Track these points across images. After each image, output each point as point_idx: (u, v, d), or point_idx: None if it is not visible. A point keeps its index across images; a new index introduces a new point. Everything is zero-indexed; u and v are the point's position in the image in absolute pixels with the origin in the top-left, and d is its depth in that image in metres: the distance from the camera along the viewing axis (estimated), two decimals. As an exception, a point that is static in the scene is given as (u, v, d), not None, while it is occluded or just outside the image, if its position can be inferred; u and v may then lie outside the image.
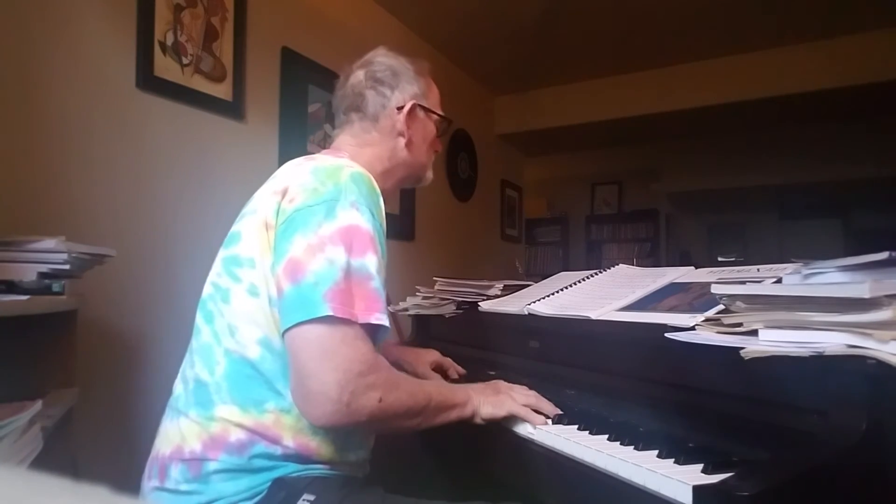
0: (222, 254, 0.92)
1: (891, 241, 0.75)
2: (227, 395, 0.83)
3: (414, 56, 1.12)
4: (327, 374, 0.75)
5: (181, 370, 0.93)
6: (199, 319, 0.91)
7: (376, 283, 0.82)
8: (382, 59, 1.09)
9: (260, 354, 0.83)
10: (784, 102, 3.53)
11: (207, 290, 0.92)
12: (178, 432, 0.85)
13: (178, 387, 0.91)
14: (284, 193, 0.87)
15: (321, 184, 0.85)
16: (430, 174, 1.18)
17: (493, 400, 0.96)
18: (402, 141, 1.07)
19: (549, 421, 0.95)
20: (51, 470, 0.21)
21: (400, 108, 1.06)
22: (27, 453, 0.87)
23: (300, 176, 0.88)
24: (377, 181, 1.02)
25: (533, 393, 1.01)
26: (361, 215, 0.83)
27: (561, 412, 0.97)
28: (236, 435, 0.82)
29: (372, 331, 0.81)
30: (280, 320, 0.80)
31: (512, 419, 0.96)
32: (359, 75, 1.07)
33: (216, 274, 0.91)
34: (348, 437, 0.88)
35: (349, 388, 0.75)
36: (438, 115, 1.14)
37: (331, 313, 0.75)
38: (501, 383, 1.02)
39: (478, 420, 0.95)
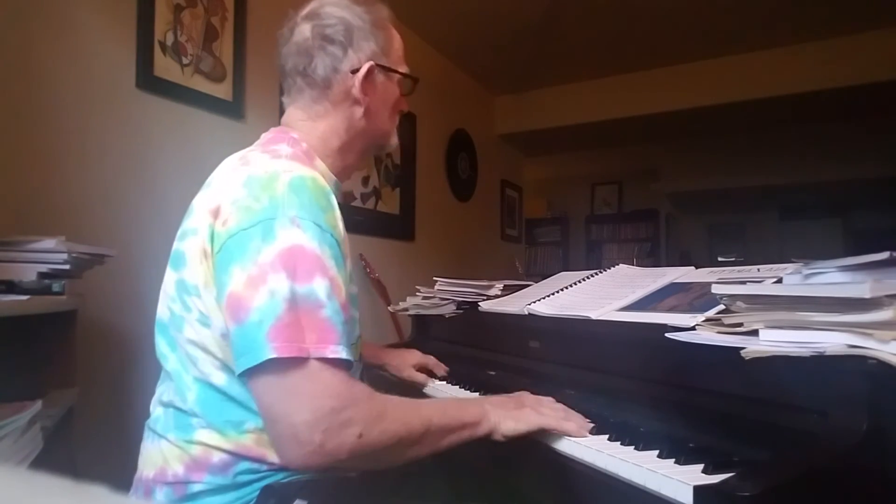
0: (172, 276, 0.84)
1: (891, 241, 0.75)
2: (204, 420, 0.79)
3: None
4: (294, 416, 0.68)
5: (158, 393, 0.89)
6: (163, 346, 0.85)
7: (328, 311, 0.72)
8: (332, 9, 0.92)
9: (226, 380, 0.79)
10: (784, 102, 3.54)
11: (164, 313, 0.85)
12: (159, 455, 0.82)
13: (156, 409, 0.87)
14: (217, 213, 0.78)
15: (255, 199, 0.75)
16: (394, 140, 1.03)
17: (515, 414, 0.86)
18: (359, 109, 0.93)
19: (587, 433, 0.86)
20: (51, 470, 0.21)
21: (355, 71, 0.91)
22: (27, 453, 0.87)
23: (232, 189, 0.78)
24: (336, 158, 0.94)
25: (561, 406, 0.92)
26: (304, 232, 0.73)
27: (593, 424, 0.90)
28: (219, 456, 0.79)
29: (336, 363, 0.72)
30: (234, 362, 0.74)
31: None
32: (304, 30, 0.91)
33: (170, 298, 0.84)
34: None
35: (321, 427, 0.68)
36: (401, 73, 0.98)
37: (274, 355, 0.68)
38: (527, 396, 0.93)
39: (497, 437, 0.85)
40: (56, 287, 1.13)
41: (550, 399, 0.95)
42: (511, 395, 0.94)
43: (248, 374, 0.71)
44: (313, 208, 0.76)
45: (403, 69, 0.99)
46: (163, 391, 0.87)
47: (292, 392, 0.70)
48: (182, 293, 0.81)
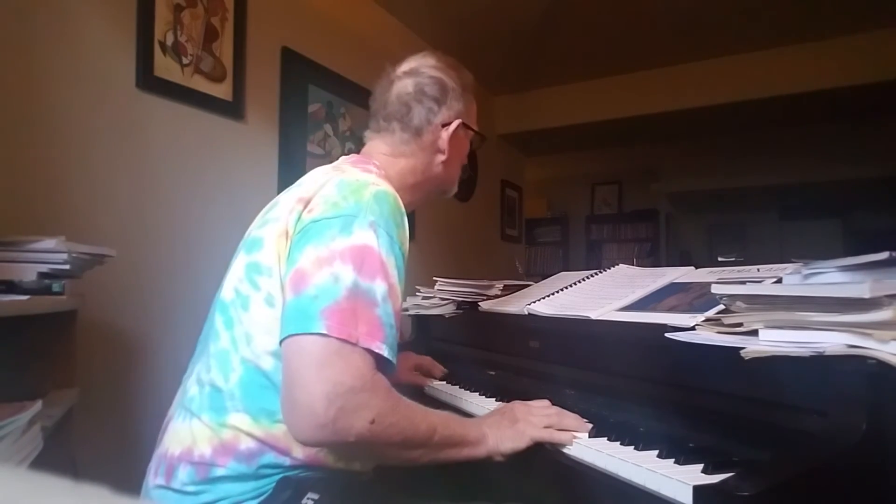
0: (244, 259, 0.89)
1: (891, 241, 0.75)
2: (240, 404, 0.82)
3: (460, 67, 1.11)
4: (315, 385, 0.71)
5: (196, 371, 0.90)
6: (220, 324, 0.89)
7: (380, 311, 0.78)
8: (431, 71, 1.06)
9: (273, 365, 0.81)
10: (784, 102, 3.53)
11: (229, 294, 0.89)
12: (189, 434, 0.84)
13: (192, 388, 0.89)
14: (307, 203, 0.86)
15: (343, 198, 0.84)
16: (455, 188, 1.17)
17: (510, 434, 0.89)
18: (440, 157, 1.06)
19: (586, 435, 0.88)
20: (51, 470, 0.21)
21: (445, 125, 1.05)
22: (27, 453, 0.87)
23: (325, 187, 0.87)
24: (406, 193, 1.01)
25: (554, 410, 0.94)
26: (377, 238, 0.80)
27: (591, 424, 0.91)
28: (246, 444, 0.81)
29: (375, 360, 0.77)
30: (280, 329, 0.79)
31: None
32: (407, 85, 1.05)
33: (237, 279, 0.88)
34: None
35: (337, 403, 0.71)
36: (476, 132, 1.14)
37: (324, 332, 0.72)
38: (518, 407, 0.95)
39: (498, 458, 0.88)
40: (56, 287, 1.13)
41: (543, 403, 0.97)
42: (503, 409, 0.96)
43: (288, 339, 0.75)
44: (389, 221, 0.84)
45: (477, 128, 1.14)
46: (201, 369, 0.89)
47: (322, 364, 0.73)
48: (253, 273, 0.86)
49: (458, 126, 1.06)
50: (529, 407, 0.95)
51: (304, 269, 0.78)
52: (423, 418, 0.82)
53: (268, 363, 0.82)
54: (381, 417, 0.74)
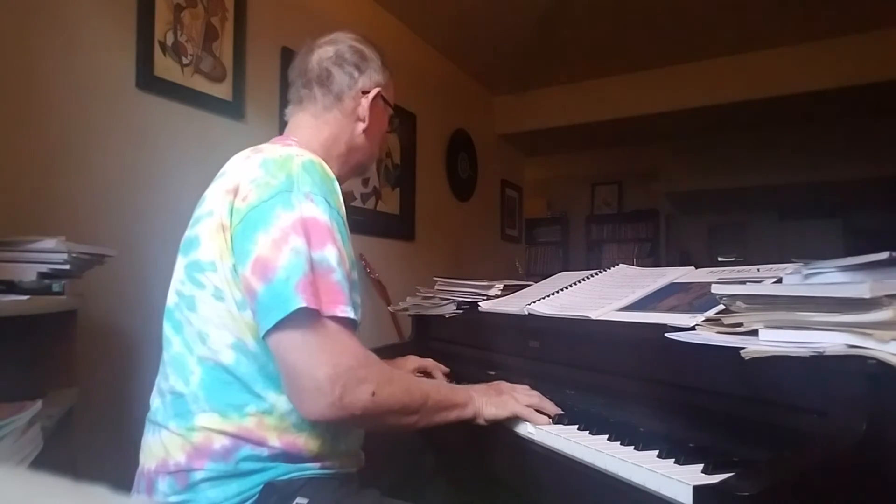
0: (183, 261, 0.89)
1: (891, 241, 0.75)
2: (206, 404, 0.82)
3: (378, 46, 1.11)
4: (318, 370, 0.75)
5: (156, 383, 0.91)
6: (168, 330, 0.89)
7: (337, 276, 0.80)
8: (350, 41, 1.07)
9: (234, 359, 0.82)
10: (784, 102, 3.54)
11: (172, 299, 0.90)
12: (160, 446, 0.84)
13: (155, 401, 0.90)
14: (236, 192, 0.85)
15: (272, 176, 0.83)
16: (373, 163, 1.17)
17: (496, 401, 0.96)
18: (360, 126, 1.05)
19: (552, 421, 0.95)
20: (51, 470, 0.21)
21: (365, 92, 1.04)
22: (27, 453, 0.87)
23: (249, 171, 0.86)
24: (333, 165, 1.00)
25: (535, 393, 1.00)
26: (317, 206, 0.81)
27: (562, 412, 0.97)
28: (220, 442, 0.81)
29: (346, 322, 0.80)
30: (258, 323, 0.79)
31: (513, 419, 0.96)
32: (328, 51, 1.05)
33: (179, 282, 0.89)
34: (336, 428, 0.87)
35: (340, 382, 0.75)
36: (393, 110, 1.14)
37: (304, 304, 0.75)
38: (504, 384, 1.02)
39: (480, 421, 0.94)
40: (56, 287, 1.13)
41: (525, 387, 1.03)
42: (490, 383, 1.02)
43: (275, 330, 0.76)
44: (323, 187, 0.84)
45: (392, 108, 1.13)
46: (160, 380, 0.90)
47: (317, 349, 0.76)
48: (194, 272, 0.86)
49: (377, 96, 1.05)
50: (514, 386, 1.02)
51: (264, 256, 0.78)
52: (417, 386, 0.89)
53: (228, 357, 0.82)
54: (380, 388, 0.79)
